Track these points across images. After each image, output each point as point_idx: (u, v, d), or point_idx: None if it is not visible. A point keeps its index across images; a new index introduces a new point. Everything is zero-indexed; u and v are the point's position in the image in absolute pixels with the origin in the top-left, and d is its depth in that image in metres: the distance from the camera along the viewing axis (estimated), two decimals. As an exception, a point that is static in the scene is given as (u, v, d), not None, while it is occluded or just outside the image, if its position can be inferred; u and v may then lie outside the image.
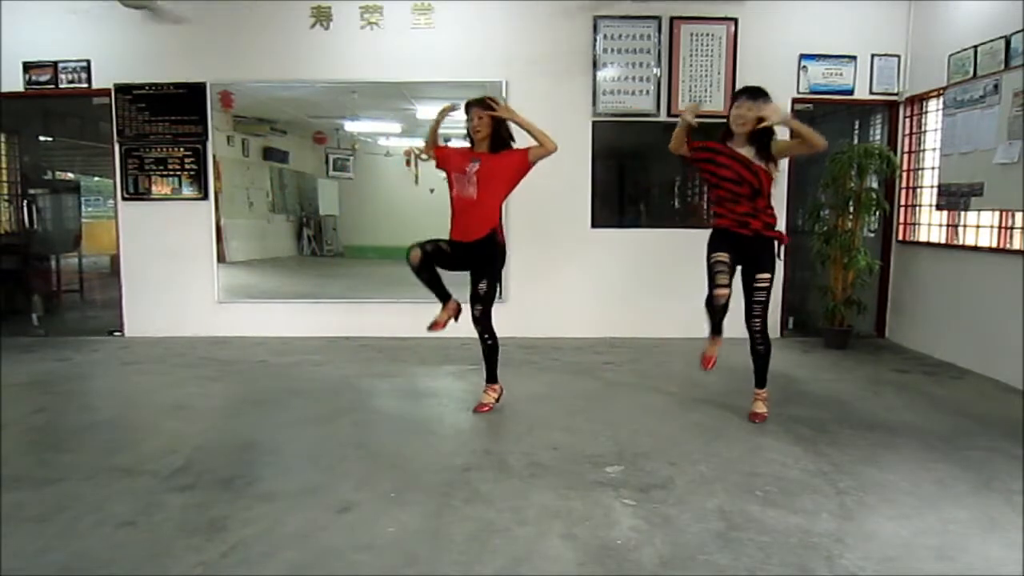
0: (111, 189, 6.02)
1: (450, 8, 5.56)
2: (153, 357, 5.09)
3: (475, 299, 3.66)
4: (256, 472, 2.92)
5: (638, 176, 6.03)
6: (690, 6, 5.57)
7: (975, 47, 4.71)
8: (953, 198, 4.93)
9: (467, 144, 3.78)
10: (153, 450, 3.17)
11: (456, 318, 3.87)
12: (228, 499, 2.64)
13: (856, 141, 5.98)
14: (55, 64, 5.63)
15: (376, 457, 3.11)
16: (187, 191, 5.76)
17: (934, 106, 5.41)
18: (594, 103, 5.63)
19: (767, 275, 3.53)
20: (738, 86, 5.50)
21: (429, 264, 3.66)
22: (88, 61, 5.63)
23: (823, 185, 5.57)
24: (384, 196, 6.07)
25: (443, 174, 3.88)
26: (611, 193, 5.82)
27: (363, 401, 4.03)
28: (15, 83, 5.65)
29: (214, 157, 5.75)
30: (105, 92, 5.67)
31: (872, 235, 5.88)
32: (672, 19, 5.56)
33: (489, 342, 3.73)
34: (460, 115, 3.75)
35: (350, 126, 5.98)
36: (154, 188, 5.76)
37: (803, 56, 5.62)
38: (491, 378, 3.82)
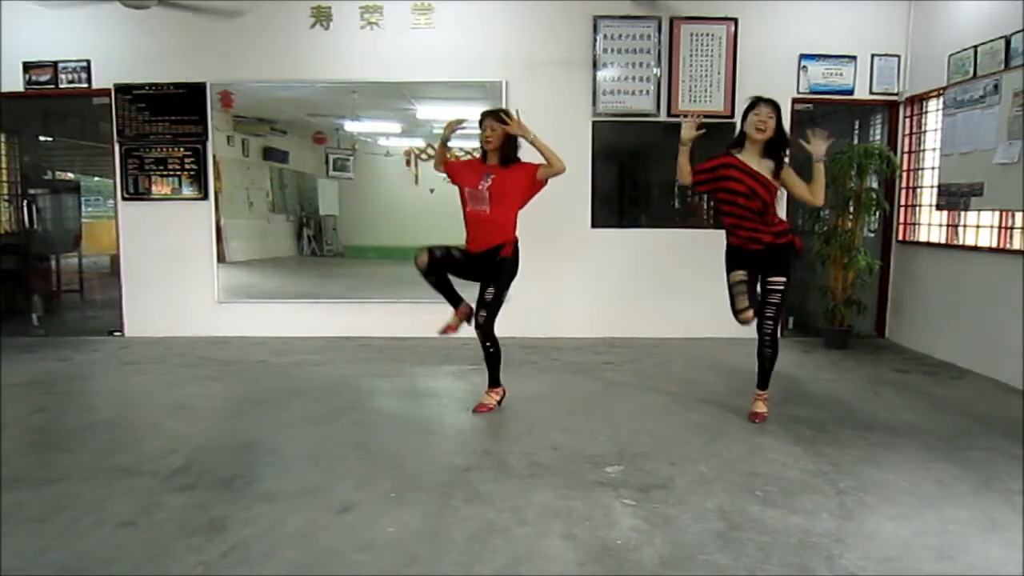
0: (111, 189, 6.02)
1: (450, 8, 5.56)
2: (153, 357, 5.09)
3: (480, 305, 3.66)
4: (256, 472, 2.91)
5: (638, 176, 6.03)
6: (690, 6, 5.57)
7: (975, 47, 4.71)
8: (953, 198, 4.93)
9: (477, 155, 3.78)
10: (153, 450, 3.17)
11: (468, 321, 3.84)
12: (228, 499, 2.64)
13: (856, 141, 5.99)
14: (55, 64, 5.64)
15: (376, 457, 3.11)
16: (187, 191, 5.76)
17: (934, 106, 5.41)
18: (594, 103, 5.63)
19: (782, 279, 3.51)
20: (738, 86, 5.55)
21: (437, 268, 3.66)
22: (88, 61, 5.63)
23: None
24: (384, 196, 6.07)
25: (443, 176, 3.88)
26: (611, 193, 5.82)
27: (363, 401, 4.03)
28: (15, 83, 5.65)
29: (214, 157, 5.75)
30: (105, 92, 5.67)
31: (872, 235, 5.88)
32: (672, 19, 5.56)
33: (491, 349, 3.72)
34: (464, 116, 3.75)
35: (350, 126, 5.98)
36: (154, 188, 5.77)
37: (803, 56, 5.62)
38: (494, 382, 3.82)
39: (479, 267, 3.67)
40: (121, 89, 5.66)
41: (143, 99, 5.67)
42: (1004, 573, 2.19)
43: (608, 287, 5.73)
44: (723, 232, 3.70)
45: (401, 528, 2.42)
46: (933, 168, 5.32)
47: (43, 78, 5.66)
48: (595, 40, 5.58)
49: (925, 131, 5.56)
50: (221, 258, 5.83)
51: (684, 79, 5.60)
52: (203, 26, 5.58)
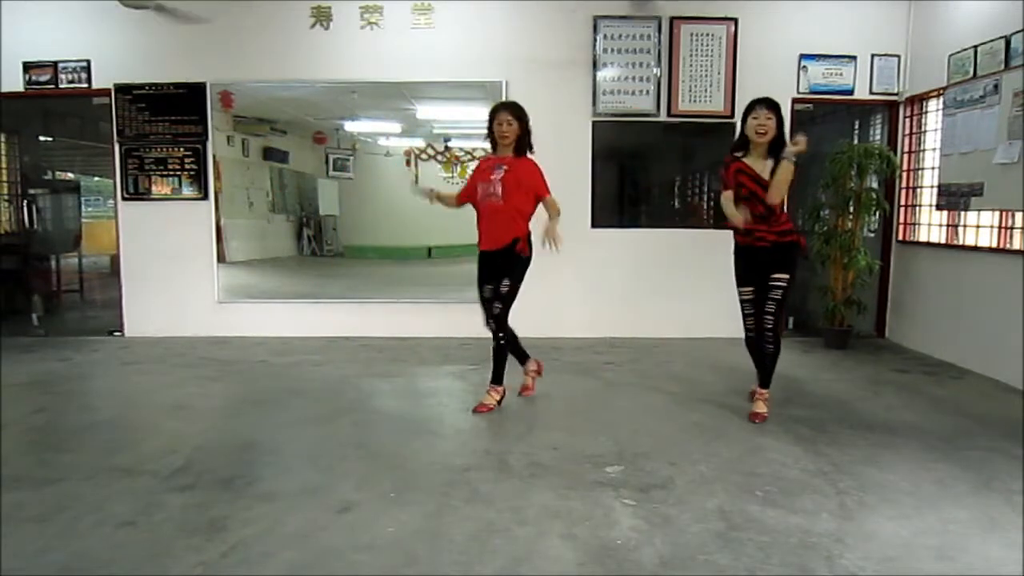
0: (111, 189, 6.02)
1: (450, 8, 5.56)
2: (153, 357, 5.09)
3: (495, 296, 3.68)
4: (256, 472, 2.92)
5: (638, 176, 6.03)
6: (690, 6, 5.57)
7: (975, 47, 4.71)
8: (953, 198, 4.93)
9: (483, 154, 3.80)
10: (153, 450, 3.17)
11: (540, 374, 4.03)
12: (228, 499, 2.64)
13: (856, 141, 5.98)
14: (55, 64, 5.64)
15: (376, 457, 3.11)
16: (187, 191, 5.76)
17: (934, 106, 5.41)
18: (594, 103, 5.63)
19: (785, 276, 3.55)
20: (738, 86, 5.55)
21: (505, 325, 3.71)
22: (88, 61, 5.63)
23: (823, 185, 5.57)
24: (384, 196, 6.07)
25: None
26: (611, 193, 5.82)
27: (363, 401, 4.03)
28: (15, 83, 5.65)
29: (214, 157, 5.75)
30: (105, 92, 5.67)
31: (872, 235, 5.88)
32: (672, 19, 5.56)
33: (502, 342, 3.74)
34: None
35: (350, 126, 5.98)
36: (154, 188, 5.77)
37: (803, 56, 5.62)
38: (496, 379, 3.81)
39: (494, 265, 3.69)
40: (121, 89, 5.66)
41: (143, 99, 5.67)
42: (1004, 573, 2.19)
43: (608, 287, 5.73)
44: (723, 232, 3.72)
45: (401, 528, 2.42)
46: (933, 168, 5.32)
47: (43, 78, 5.66)
48: (595, 40, 5.58)
49: (925, 131, 5.56)
50: (221, 258, 5.83)
51: (684, 79, 5.60)
52: (203, 26, 5.58)
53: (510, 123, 3.60)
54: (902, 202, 5.75)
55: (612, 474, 2.89)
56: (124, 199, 5.79)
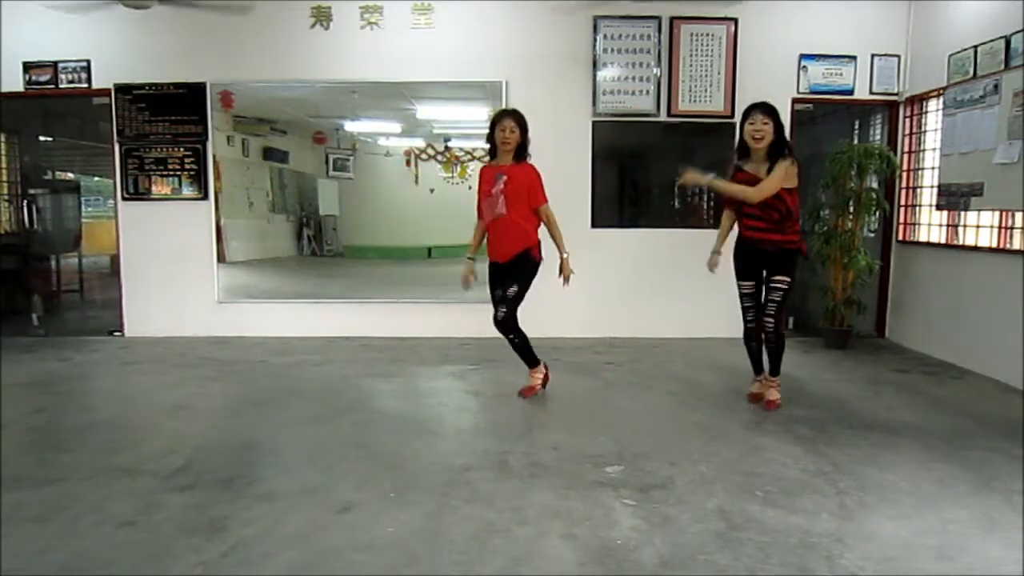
0: (111, 189, 6.02)
1: (450, 8, 5.56)
2: (153, 357, 5.09)
3: (502, 300, 3.76)
4: (256, 472, 2.91)
5: (638, 176, 6.02)
6: (690, 6, 5.57)
7: (975, 47, 4.71)
8: (953, 198, 4.93)
9: (488, 158, 3.87)
10: (153, 450, 3.17)
11: (547, 380, 4.06)
12: (228, 499, 2.64)
13: (856, 141, 5.98)
14: (55, 64, 5.64)
15: (376, 457, 3.11)
16: (187, 191, 5.76)
17: (934, 106, 5.41)
18: (594, 103, 5.63)
19: (785, 278, 3.61)
20: (738, 86, 5.55)
21: (512, 324, 3.79)
22: (88, 61, 5.63)
23: (823, 185, 5.56)
24: (384, 196, 6.07)
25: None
26: (611, 193, 5.82)
27: (363, 401, 4.03)
28: (15, 83, 5.65)
29: (214, 157, 5.75)
30: (105, 92, 5.67)
31: (872, 235, 5.88)
32: (672, 19, 5.56)
33: (516, 340, 3.85)
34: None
35: (350, 126, 5.98)
36: (154, 188, 5.77)
37: (803, 56, 5.62)
38: (532, 363, 3.94)
39: (506, 273, 3.78)
40: (121, 89, 5.66)
41: (143, 99, 5.67)
42: (1004, 573, 2.19)
43: (608, 287, 5.72)
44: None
45: (401, 528, 2.42)
46: (933, 168, 5.32)
47: (43, 78, 5.66)
48: (595, 40, 5.58)
49: (925, 131, 5.56)
50: (221, 258, 5.83)
51: (684, 79, 5.60)
52: (203, 26, 5.58)
53: (512, 130, 3.67)
54: (902, 202, 5.75)
55: (612, 474, 2.89)
56: (124, 199, 5.79)
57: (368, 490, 2.73)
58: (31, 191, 7.42)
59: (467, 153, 5.76)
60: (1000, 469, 2.98)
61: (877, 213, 5.59)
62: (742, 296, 3.75)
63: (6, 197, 7.29)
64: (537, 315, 5.59)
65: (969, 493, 2.74)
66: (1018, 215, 4.42)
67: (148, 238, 5.77)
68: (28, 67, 5.64)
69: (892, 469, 2.98)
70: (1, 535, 2.34)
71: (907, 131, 5.69)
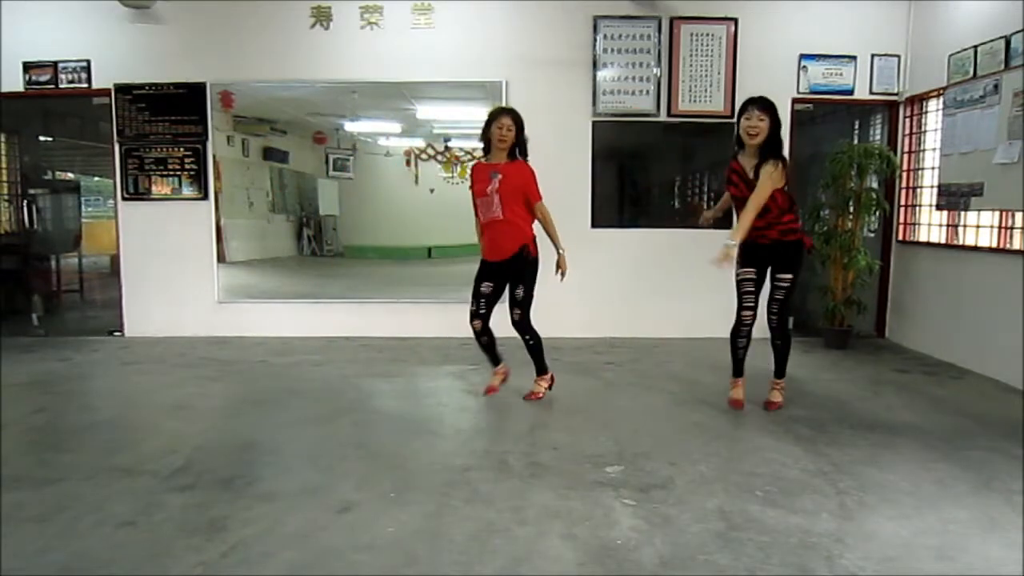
0: (111, 189, 6.02)
1: (450, 8, 5.56)
2: (153, 357, 5.09)
3: (513, 303, 3.78)
4: (256, 472, 2.92)
5: (638, 176, 6.03)
6: (690, 6, 5.57)
7: (975, 47, 4.71)
8: (953, 198, 4.93)
9: (481, 154, 3.87)
10: (153, 450, 3.17)
11: (506, 380, 4.07)
12: (228, 499, 2.64)
13: (856, 141, 5.98)
14: (55, 64, 5.64)
15: (376, 457, 3.11)
16: (187, 191, 5.76)
17: (934, 106, 5.41)
18: (594, 103, 5.63)
19: (788, 275, 3.62)
20: (738, 86, 5.54)
21: (485, 326, 3.83)
22: (88, 61, 5.63)
23: (823, 185, 5.57)
24: (384, 196, 6.07)
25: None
26: (611, 193, 5.82)
27: (363, 401, 4.03)
28: (15, 83, 5.65)
29: (214, 157, 5.75)
30: (105, 92, 5.67)
31: (872, 235, 5.88)
32: (672, 19, 5.56)
33: (531, 342, 3.87)
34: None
35: (350, 126, 5.98)
36: (154, 188, 5.77)
37: (803, 56, 5.62)
38: (541, 370, 3.95)
39: (502, 274, 3.78)
40: (121, 89, 5.66)
41: (143, 99, 5.67)
42: (1004, 573, 2.19)
43: (608, 287, 5.73)
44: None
45: (401, 528, 2.42)
46: (933, 168, 5.32)
47: (43, 78, 5.66)
48: (595, 40, 5.58)
49: (925, 131, 5.56)
50: (221, 258, 5.83)
51: (684, 79, 5.60)
52: (203, 26, 5.58)
53: (510, 128, 3.67)
54: (902, 202, 5.75)
55: (612, 474, 2.89)
56: (124, 199, 5.79)
57: (368, 490, 2.73)
58: (31, 191, 7.42)
59: (467, 153, 5.75)
60: (1000, 469, 2.98)
61: (877, 213, 5.59)
62: (742, 282, 3.68)
63: (6, 197, 7.29)
64: (537, 315, 5.61)
65: (969, 493, 2.74)
66: (1018, 215, 4.42)
67: (148, 238, 5.78)
68: (28, 67, 5.64)
69: (892, 469, 2.98)
70: (1, 535, 2.34)
71: (907, 131, 5.69)
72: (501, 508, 2.57)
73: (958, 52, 4.90)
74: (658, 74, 5.61)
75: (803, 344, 5.55)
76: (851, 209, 5.44)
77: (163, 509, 2.56)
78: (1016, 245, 4.46)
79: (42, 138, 8.18)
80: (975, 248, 4.84)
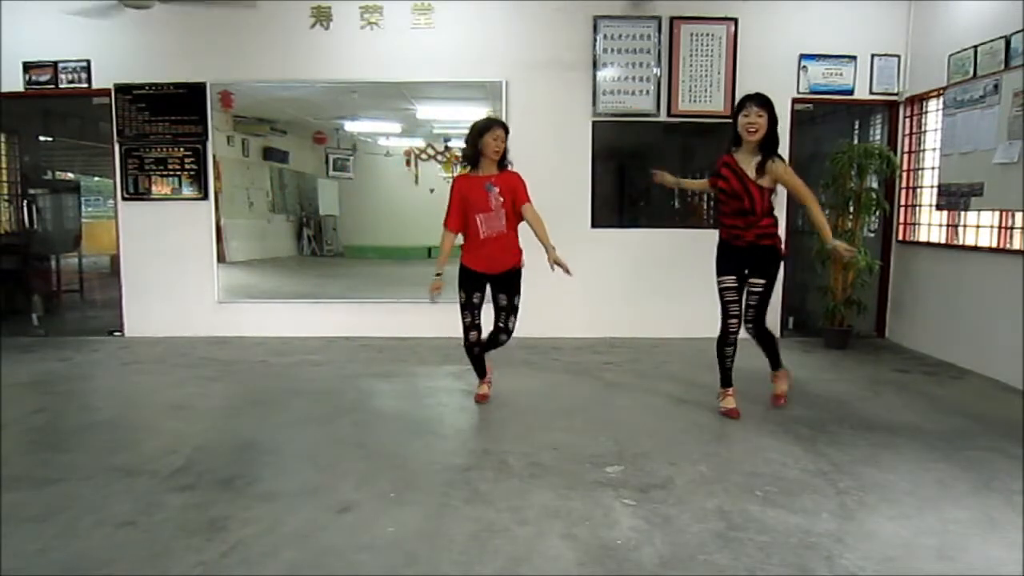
0: (111, 189, 6.02)
1: (450, 8, 5.56)
2: (153, 357, 5.09)
3: (510, 312, 3.78)
4: (256, 472, 2.92)
5: (638, 176, 6.02)
6: (690, 6, 5.57)
7: (975, 47, 4.71)
8: (953, 198, 4.93)
9: (466, 170, 3.80)
10: (153, 450, 3.17)
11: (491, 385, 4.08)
12: (228, 499, 2.64)
13: (856, 141, 5.98)
14: (55, 64, 5.64)
15: (376, 457, 3.11)
16: (187, 191, 5.76)
17: (934, 106, 5.41)
18: (594, 103, 5.63)
19: (762, 280, 3.60)
20: (738, 86, 5.54)
21: (479, 339, 3.82)
22: (88, 61, 5.63)
23: (823, 185, 5.56)
24: (384, 196, 6.07)
25: (445, 174, 3.91)
26: (611, 193, 5.82)
27: (363, 401, 4.03)
28: (15, 83, 5.65)
29: (214, 157, 5.75)
30: (105, 92, 5.67)
31: (872, 235, 5.88)
32: (672, 19, 5.56)
33: (504, 340, 3.85)
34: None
35: (350, 126, 5.99)
36: (154, 188, 5.76)
37: (803, 56, 5.62)
38: (482, 373, 3.97)
39: (500, 284, 3.77)
40: (121, 89, 5.66)
41: (143, 99, 5.67)
42: (1004, 573, 2.19)
43: (608, 287, 5.73)
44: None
45: (401, 528, 2.42)
46: (933, 168, 5.32)
47: (43, 78, 5.66)
48: (595, 40, 5.58)
49: (925, 131, 5.56)
50: (221, 258, 5.83)
51: (684, 79, 5.60)
52: (203, 26, 5.58)
53: (503, 140, 3.66)
54: (902, 202, 5.75)
55: (612, 474, 2.90)
56: (124, 199, 5.79)
57: (368, 490, 2.73)
58: (31, 191, 7.41)
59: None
60: (1000, 469, 2.98)
61: (877, 213, 5.59)
62: (723, 291, 3.66)
63: (6, 197, 7.29)
64: (537, 315, 5.61)
65: (969, 493, 2.74)
66: (1018, 215, 4.42)
67: (148, 238, 5.77)
68: (28, 67, 5.64)
69: (892, 469, 2.98)
70: (1, 535, 2.34)
71: (907, 131, 5.69)
72: (501, 508, 2.57)
73: (958, 52, 4.90)
74: (658, 74, 5.61)
75: (803, 344, 5.56)
76: (851, 209, 5.44)
77: (163, 509, 2.56)
78: (1016, 245, 4.46)
79: (42, 138, 8.17)
80: (975, 248, 4.84)
